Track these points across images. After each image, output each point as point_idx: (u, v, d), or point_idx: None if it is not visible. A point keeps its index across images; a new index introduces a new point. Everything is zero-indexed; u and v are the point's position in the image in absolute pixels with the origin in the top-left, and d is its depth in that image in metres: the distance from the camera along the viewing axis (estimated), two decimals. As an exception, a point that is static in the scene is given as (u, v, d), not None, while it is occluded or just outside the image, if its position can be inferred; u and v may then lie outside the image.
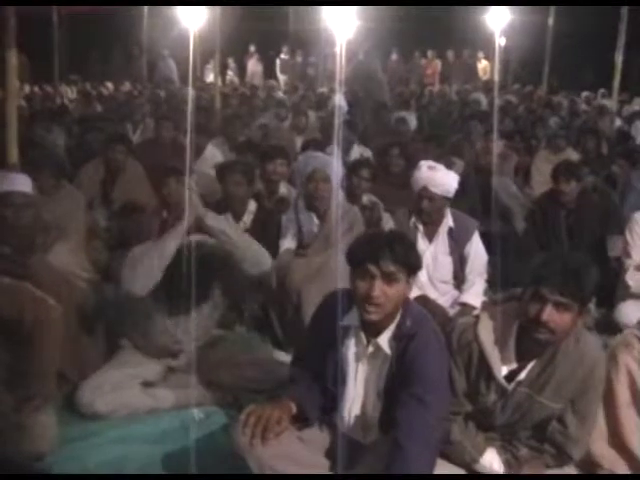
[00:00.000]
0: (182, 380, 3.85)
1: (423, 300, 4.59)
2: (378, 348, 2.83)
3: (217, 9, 10.60)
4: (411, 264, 2.76)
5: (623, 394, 2.94)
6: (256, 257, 4.39)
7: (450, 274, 4.75)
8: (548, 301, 2.61)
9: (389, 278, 2.69)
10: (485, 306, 3.06)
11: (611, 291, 5.26)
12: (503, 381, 2.80)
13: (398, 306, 2.78)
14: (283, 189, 5.74)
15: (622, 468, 2.97)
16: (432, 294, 4.72)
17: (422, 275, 4.73)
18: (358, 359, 2.87)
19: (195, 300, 3.68)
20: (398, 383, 2.75)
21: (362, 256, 2.72)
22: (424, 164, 4.69)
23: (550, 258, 2.75)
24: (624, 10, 9.95)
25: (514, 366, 2.79)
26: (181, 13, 11.77)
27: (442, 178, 4.64)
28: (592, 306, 5.26)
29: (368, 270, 2.69)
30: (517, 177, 7.35)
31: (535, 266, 2.74)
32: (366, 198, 5.61)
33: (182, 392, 3.80)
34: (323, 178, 4.74)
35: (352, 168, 5.69)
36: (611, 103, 10.79)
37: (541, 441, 2.90)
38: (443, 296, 4.73)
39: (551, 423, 2.86)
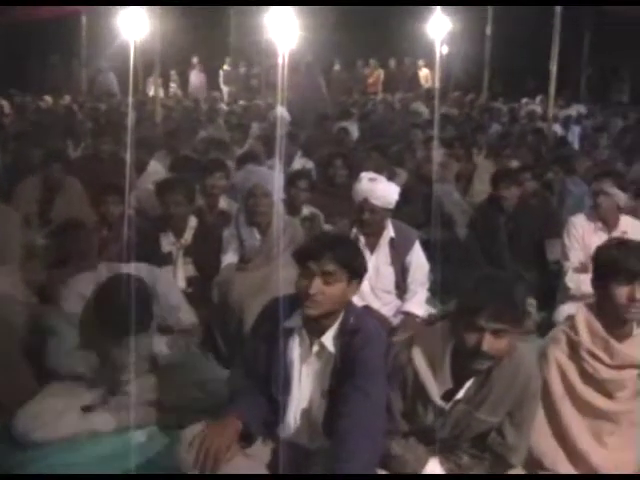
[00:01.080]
0: (122, 403, 3.75)
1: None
2: (322, 347, 2.86)
3: (158, 19, 10.50)
4: (352, 266, 2.82)
5: (557, 388, 2.99)
6: (173, 311, 4.13)
7: (392, 284, 4.77)
8: (485, 330, 2.58)
9: (328, 277, 2.75)
10: (419, 327, 3.11)
11: (552, 294, 5.37)
12: (440, 402, 2.79)
13: (340, 306, 2.83)
14: (223, 203, 5.70)
15: (563, 464, 3.01)
16: (375, 304, 4.74)
17: (364, 285, 4.74)
18: (303, 360, 2.89)
19: (134, 328, 3.59)
20: (342, 379, 2.79)
21: (305, 254, 2.81)
22: (365, 176, 4.70)
23: (481, 284, 2.69)
24: (557, 20, 10.17)
25: (450, 385, 2.78)
26: (121, 23, 11.64)
27: (383, 190, 4.64)
28: (533, 309, 5.36)
29: (309, 268, 2.76)
30: (459, 184, 7.43)
31: (467, 296, 2.69)
32: (306, 210, 5.61)
33: (123, 415, 3.72)
34: (263, 193, 4.73)
35: (291, 180, 5.70)
36: (548, 109, 10.98)
37: (481, 450, 2.92)
38: (386, 306, 4.75)
39: (490, 434, 2.88)
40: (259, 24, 14.92)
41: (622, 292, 2.86)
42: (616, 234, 5.21)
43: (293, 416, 2.92)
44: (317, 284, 2.74)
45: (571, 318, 3.08)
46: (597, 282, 2.99)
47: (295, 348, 2.90)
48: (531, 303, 5.36)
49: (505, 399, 2.79)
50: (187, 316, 4.11)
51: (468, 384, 2.78)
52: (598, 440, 3.02)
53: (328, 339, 2.85)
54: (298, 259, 2.84)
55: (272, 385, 2.90)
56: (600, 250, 3.06)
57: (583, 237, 5.22)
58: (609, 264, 2.91)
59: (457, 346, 2.70)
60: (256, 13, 15.07)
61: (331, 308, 2.80)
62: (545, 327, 5.16)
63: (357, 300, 4.61)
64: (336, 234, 3.94)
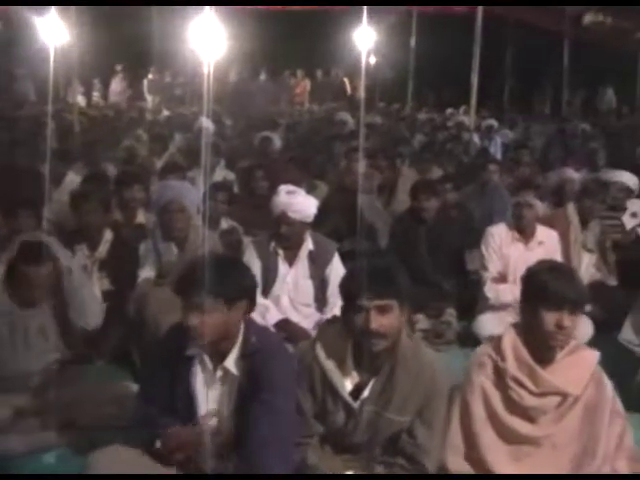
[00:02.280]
0: (32, 424, 3.64)
1: (285, 323, 4.62)
2: (226, 371, 2.82)
3: (78, 24, 10.25)
4: (227, 293, 2.72)
5: (479, 412, 2.98)
6: (83, 307, 4.20)
7: (311, 297, 4.77)
8: (370, 309, 2.68)
9: (203, 309, 2.67)
10: (321, 326, 3.15)
11: (472, 304, 5.43)
12: (348, 397, 2.84)
13: (231, 330, 2.77)
14: (141, 217, 5.59)
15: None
16: (294, 317, 4.73)
17: (284, 299, 4.76)
18: (207, 386, 2.84)
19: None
20: (248, 396, 2.75)
21: (180, 288, 2.74)
22: (283, 189, 4.69)
23: (355, 269, 2.84)
24: (477, 33, 10.39)
25: (356, 380, 2.84)
26: (41, 28, 11.32)
27: (301, 204, 4.65)
28: (454, 320, 5.42)
29: (187, 301, 2.70)
30: (381, 195, 7.46)
31: (344, 281, 2.84)
32: (225, 223, 5.55)
33: (33, 436, 3.59)
34: (179, 209, 4.66)
35: (209, 192, 5.62)
36: (470, 119, 11.17)
37: (394, 455, 2.94)
38: (306, 319, 4.74)
39: (401, 436, 2.91)
40: (184, 32, 14.76)
41: (550, 318, 2.80)
42: (533, 244, 5.32)
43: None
44: (195, 316, 2.67)
45: (496, 339, 3.05)
46: (525, 305, 2.94)
47: (198, 375, 2.84)
48: (451, 313, 5.44)
49: (411, 397, 2.84)
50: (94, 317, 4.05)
51: (372, 382, 2.83)
52: (515, 463, 3.01)
53: (231, 363, 2.80)
54: (177, 292, 2.76)
55: (178, 413, 2.84)
56: (530, 273, 2.98)
57: (501, 247, 5.30)
58: (539, 288, 2.84)
59: (350, 332, 2.76)
60: (181, 21, 14.91)
61: (219, 336, 2.74)
62: (465, 337, 5.25)
63: (276, 314, 4.64)
64: (208, 260, 3.87)
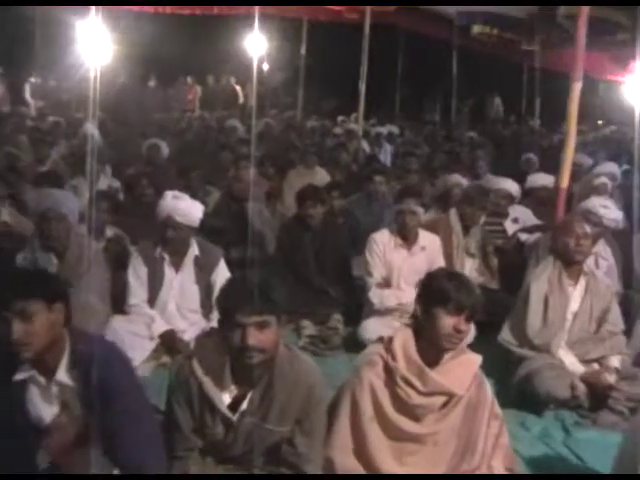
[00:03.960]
0: None
1: (169, 335, 4.64)
2: (61, 385, 2.70)
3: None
4: (46, 297, 2.62)
5: (367, 409, 3.05)
6: None
7: (198, 303, 4.80)
8: (247, 325, 2.65)
9: (23, 317, 2.55)
10: (198, 339, 3.13)
11: (358, 309, 5.49)
12: (227, 411, 2.82)
13: (54, 338, 2.65)
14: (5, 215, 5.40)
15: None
16: (181, 324, 4.76)
17: (170, 305, 4.75)
18: (50, 405, 2.72)
19: None
20: (99, 409, 2.64)
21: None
22: (169, 194, 4.73)
23: (230, 285, 2.81)
24: (365, 41, 10.55)
25: (234, 393, 2.83)
26: None
27: (187, 208, 4.70)
28: (340, 325, 5.47)
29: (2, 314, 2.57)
30: (270, 202, 7.46)
31: (220, 298, 2.79)
32: (110, 231, 5.43)
33: None
34: (57, 217, 4.55)
35: (91, 201, 5.50)
36: (358, 127, 11.31)
37: (276, 465, 2.95)
38: (192, 325, 4.76)
39: (283, 446, 2.92)
40: (71, 36, 14.34)
41: (449, 322, 2.92)
42: (415, 249, 5.44)
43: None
44: (17, 327, 2.54)
45: (387, 340, 3.12)
46: (422, 307, 3.03)
47: (37, 397, 2.72)
48: (337, 319, 5.49)
49: (290, 407, 2.85)
50: None
51: (250, 394, 2.83)
52: (398, 460, 3.09)
53: (62, 375, 2.68)
54: None
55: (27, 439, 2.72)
56: (430, 278, 3.10)
57: (384, 253, 5.39)
58: (439, 292, 2.95)
59: (228, 347, 2.73)
60: (68, 25, 14.47)
61: (44, 344, 2.61)
62: (351, 342, 5.29)
63: (161, 325, 4.60)
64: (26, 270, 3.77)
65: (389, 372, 3.04)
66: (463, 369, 3.08)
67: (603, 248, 5.63)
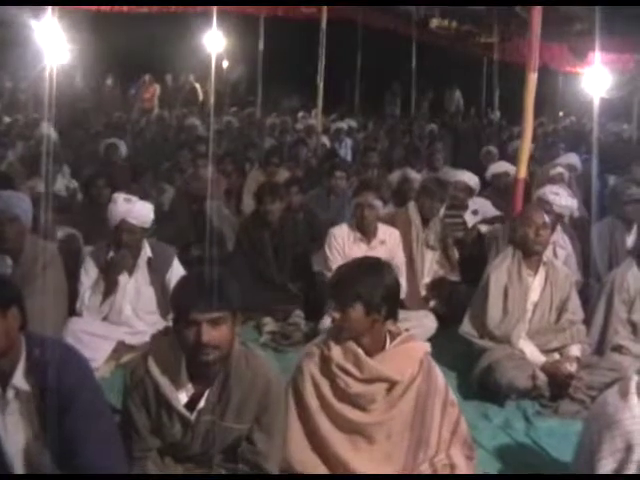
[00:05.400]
0: None
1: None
2: (17, 390, 2.63)
3: None
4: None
5: (312, 402, 3.06)
6: None
7: (154, 304, 4.77)
8: (201, 322, 2.62)
9: None
10: (152, 339, 3.11)
11: (319, 305, 5.46)
12: (183, 410, 2.80)
13: (12, 345, 2.59)
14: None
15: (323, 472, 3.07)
16: (139, 326, 4.72)
17: (126, 308, 4.70)
18: (3, 412, 2.64)
19: None
20: (58, 412, 2.60)
21: None
22: (120, 197, 4.69)
23: (183, 283, 2.80)
24: (322, 35, 10.53)
25: (191, 391, 2.80)
26: None
27: (139, 210, 4.67)
28: (301, 321, 5.45)
29: None
30: (229, 199, 7.42)
31: (174, 296, 2.79)
32: (61, 232, 5.36)
33: None
34: (9, 219, 4.45)
35: (48, 201, 5.42)
36: (317, 122, 11.27)
37: (235, 462, 2.93)
38: (151, 326, 4.70)
39: (242, 444, 2.90)
40: (27, 36, 14.11)
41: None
42: (375, 243, 5.45)
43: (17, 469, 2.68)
44: None
45: (329, 331, 3.15)
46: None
47: None
48: (298, 315, 5.47)
49: (247, 405, 2.84)
50: None
51: (207, 393, 2.80)
52: (355, 453, 3.09)
53: (19, 380, 2.61)
54: None
55: None
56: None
57: (344, 248, 5.40)
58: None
59: (183, 345, 2.71)
60: (24, 25, 14.24)
61: (1, 349, 2.56)
62: (312, 338, 5.25)
63: (119, 329, 4.55)
64: None
65: (326, 361, 3.07)
66: (406, 356, 3.10)
67: (561, 237, 5.68)
